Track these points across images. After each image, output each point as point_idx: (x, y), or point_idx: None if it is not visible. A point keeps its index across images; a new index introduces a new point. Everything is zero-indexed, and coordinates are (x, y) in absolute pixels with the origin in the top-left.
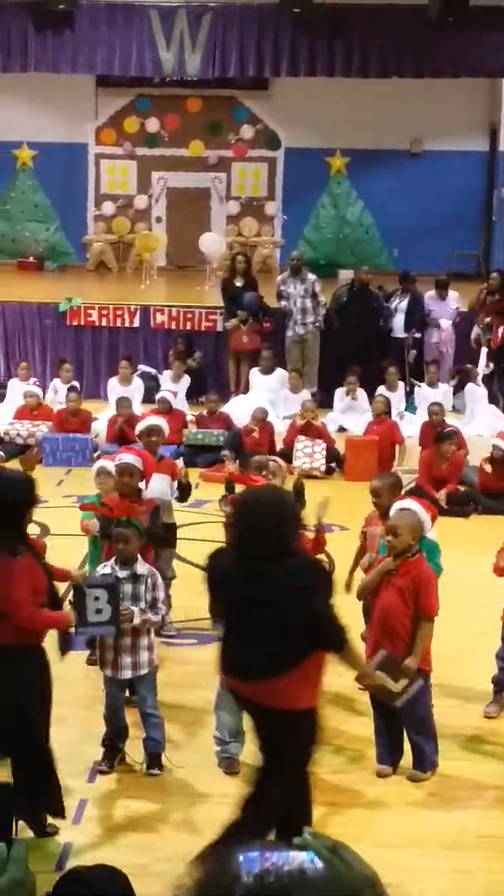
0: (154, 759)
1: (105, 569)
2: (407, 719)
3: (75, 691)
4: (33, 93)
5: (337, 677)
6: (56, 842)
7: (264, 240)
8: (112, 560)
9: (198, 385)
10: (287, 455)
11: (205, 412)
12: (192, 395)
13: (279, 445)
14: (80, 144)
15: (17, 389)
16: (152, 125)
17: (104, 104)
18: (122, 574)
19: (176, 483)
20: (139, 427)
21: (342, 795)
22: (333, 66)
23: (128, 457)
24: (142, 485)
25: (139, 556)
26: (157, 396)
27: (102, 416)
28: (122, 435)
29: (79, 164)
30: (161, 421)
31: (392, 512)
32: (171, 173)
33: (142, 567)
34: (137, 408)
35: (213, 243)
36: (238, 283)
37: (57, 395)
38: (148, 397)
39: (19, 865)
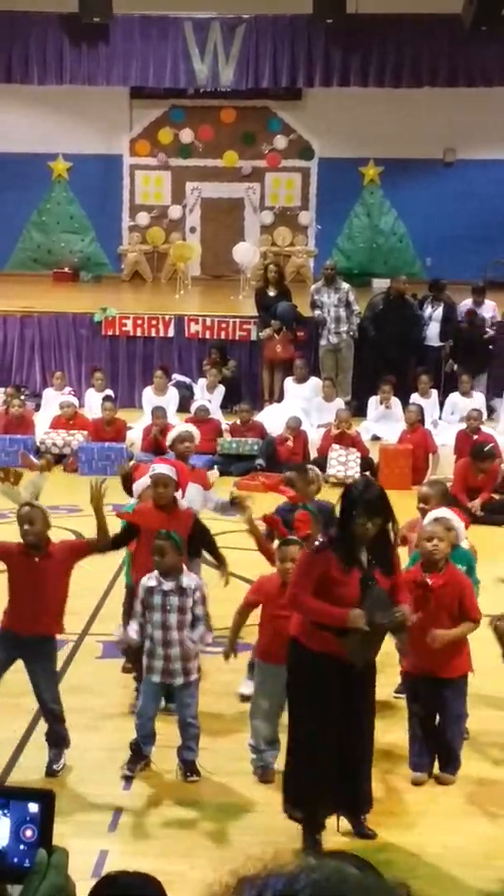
0: (190, 765)
1: (150, 581)
2: (447, 718)
3: (109, 699)
4: (68, 105)
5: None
6: (92, 849)
7: (298, 249)
8: (155, 572)
9: (232, 394)
10: (321, 464)
11: (238, 421)
12: (227, 404)
13: (313, 454)
14: (115, 156)
15: (53, 399)
16: (186, 136)
17: (138, 116)
18: (166, 587)
19: (208, 493)
20: (171, 435)
21: (378, 804)
22: (366, 75)
23: (162, 467)
24: (178, 494)
25: (184, 567)
26: (195, 405)
27: (137, 426)
28: (156, 444)
29: (113, 175)
30: (193, 428)
31: (428, 520)
32: (205, 184)
33: (188, 579)
34: (172, 417)
35: (246, 253)
36: (271, 293)
37: (91, 404)
38: (182, 407)
39: (59, 872)
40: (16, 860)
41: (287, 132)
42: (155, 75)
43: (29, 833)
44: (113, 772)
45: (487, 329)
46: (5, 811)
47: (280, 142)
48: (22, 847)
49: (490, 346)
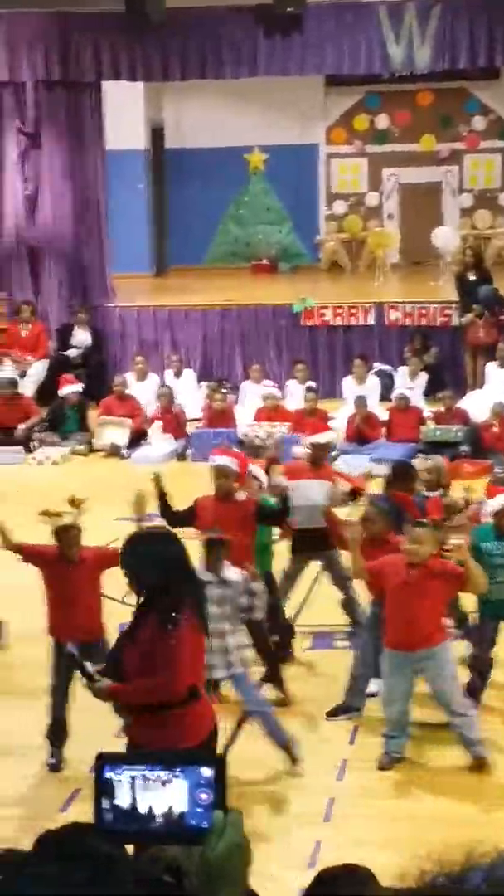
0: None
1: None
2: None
3: None
4: (263, 97)
5: None
6: (307, 839)
7: (499, 231)
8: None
9: (434, 381)
10: None
11: (442, 408)
12: (429, 391)
13: None
14: (311, 145)
15: (252, 391)
16: (382, 122)
17: (334, 103)
18: (208, 578)
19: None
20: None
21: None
22: None
23: (223, 459)
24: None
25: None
26: (394, 394)
27: (339, 416)
28: (359, 434)
29: (310, 164)
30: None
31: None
32: (402, 169)
33: (231, 573)
34: (374, 406)
35: (446, 237)
36: (472, 277)
37: (293, 395)
38: (384, 395)
39: (237, 831)
40: (194, 822)
41: (485, 112)
42: (350, 62)
43: (204, 796)
44: (330, 761)
45: None
46: (181, 776)
47: (479, 122)
48: (199, 810)
49: None
